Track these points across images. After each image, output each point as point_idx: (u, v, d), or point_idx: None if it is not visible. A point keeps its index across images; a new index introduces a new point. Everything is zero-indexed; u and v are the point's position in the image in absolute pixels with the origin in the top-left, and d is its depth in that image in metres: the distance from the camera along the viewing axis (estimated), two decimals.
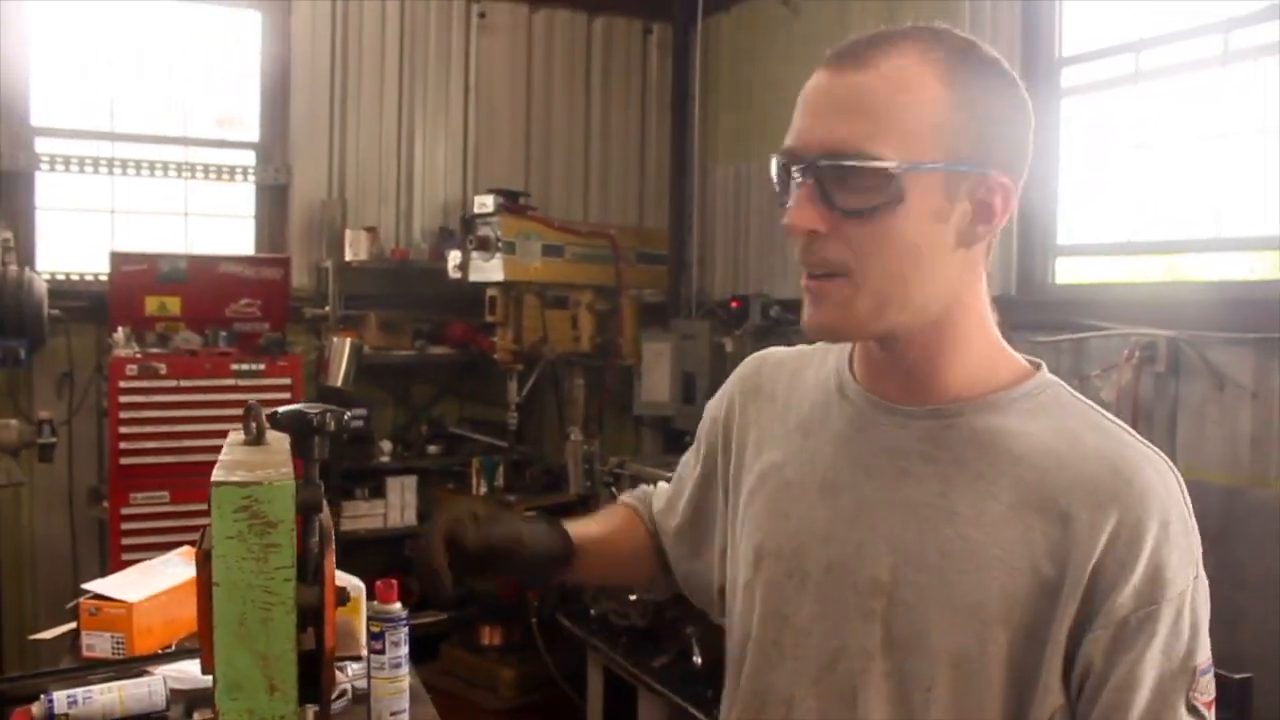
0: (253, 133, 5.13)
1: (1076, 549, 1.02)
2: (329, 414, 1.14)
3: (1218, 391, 3.15)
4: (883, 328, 1.08)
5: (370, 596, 2.04)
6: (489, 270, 4.74)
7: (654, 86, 5.82)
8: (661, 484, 1.53)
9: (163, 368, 4.10)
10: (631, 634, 3.72)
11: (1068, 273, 3.85)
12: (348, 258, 4.88)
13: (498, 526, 1.30)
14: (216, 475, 1.04)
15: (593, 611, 3.89)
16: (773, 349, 1.39)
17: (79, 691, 1.89)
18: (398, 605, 1.96)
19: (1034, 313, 3.69)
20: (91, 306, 4.54)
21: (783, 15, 4.95)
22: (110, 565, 3.82)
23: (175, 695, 1.94)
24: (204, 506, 1.04)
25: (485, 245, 4.69)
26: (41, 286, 4.15)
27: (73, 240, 4.82)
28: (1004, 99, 1.07)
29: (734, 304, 4.92)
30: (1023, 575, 1.03)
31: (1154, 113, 3.52)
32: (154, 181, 4.86)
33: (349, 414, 1.15)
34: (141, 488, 4.04)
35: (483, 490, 4.77)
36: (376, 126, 5.22)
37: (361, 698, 1.98)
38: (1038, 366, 1.16)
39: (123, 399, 4.04)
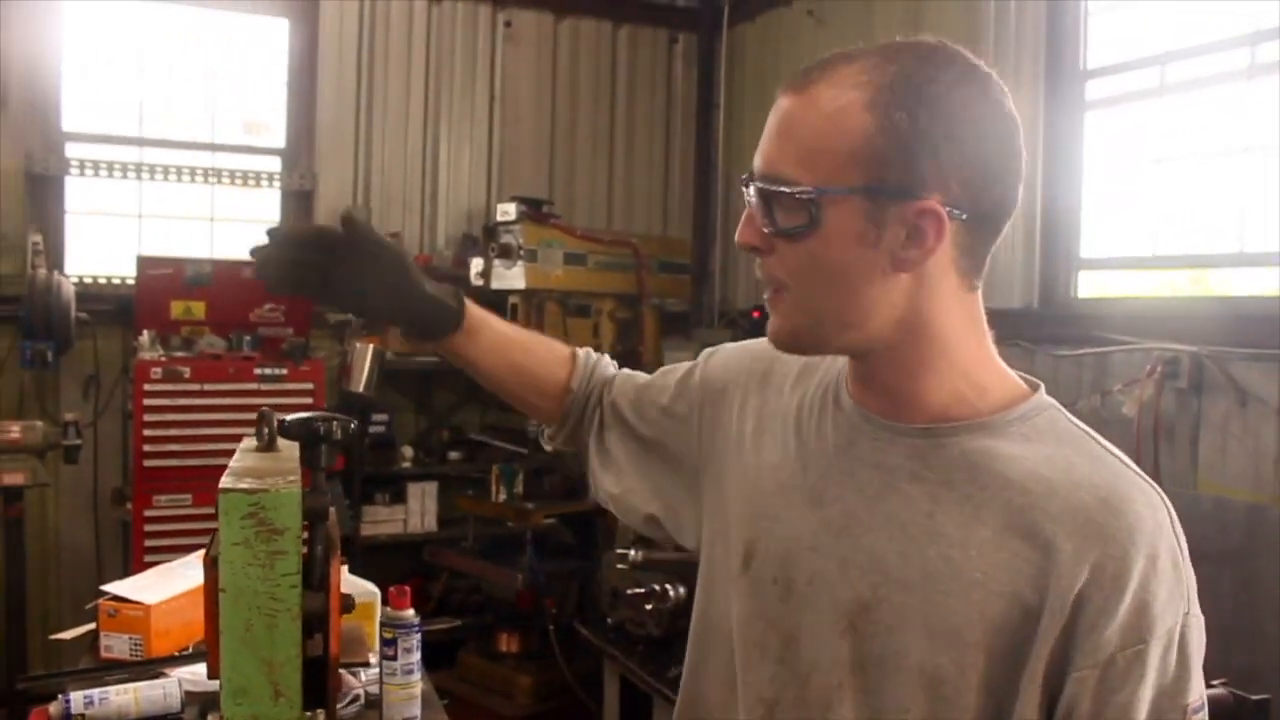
0: (279, 139, 5.17)
1: (1059, 579, 1.00)
2: (336, 423, 1.14)
3: (1241, 408, 3.12)
4: (835, 345, 1.13)
5: (384, 602, 2.06)
6: (511, 278, 4.75)
7: (679, 96, 5.84)
8: (628, 372, 1.51)
9: (186, 371, 4.14)
10: (648, 643, 3.71)
11: (1090, 286, 3.83)
12: None
13: (387, 244, 1.31)
14: (224, 482, 1.05)
15: (609, 620, 3.88)
16: None
17: (95, 692, 1.92)
18: (410, 612, 1.98)
19: (1056, 326, 3.67)
20: (118, 310, 4.59)
21: (808, 25, 4.94)
22: (133, 566, 3.85)
23: (190, 698, 1.96)
24: None
25: (507, 253, 4.71)
26: (69, 290, 4.20)
27: (100, 244, 4.88)
28: (957, 119, 1.03)
29: (755, 314, 4.92)
30: (1004, 601, 1.02)
31: (1179, 126, 3.50)
32: (181, 186, 4.92)
33: (355, 423, 1.16)
34: (164, 490, 4.08)
35: (503, 497, 4.78)
36: (402, 133, 5.25)
37: (374, 703, 2.00)
38: (1035, 388, 1.14)
39: (147, 402, 4.07)
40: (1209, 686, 1.84)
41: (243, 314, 4.54)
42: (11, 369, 4.45)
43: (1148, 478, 1.07)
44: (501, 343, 1.43)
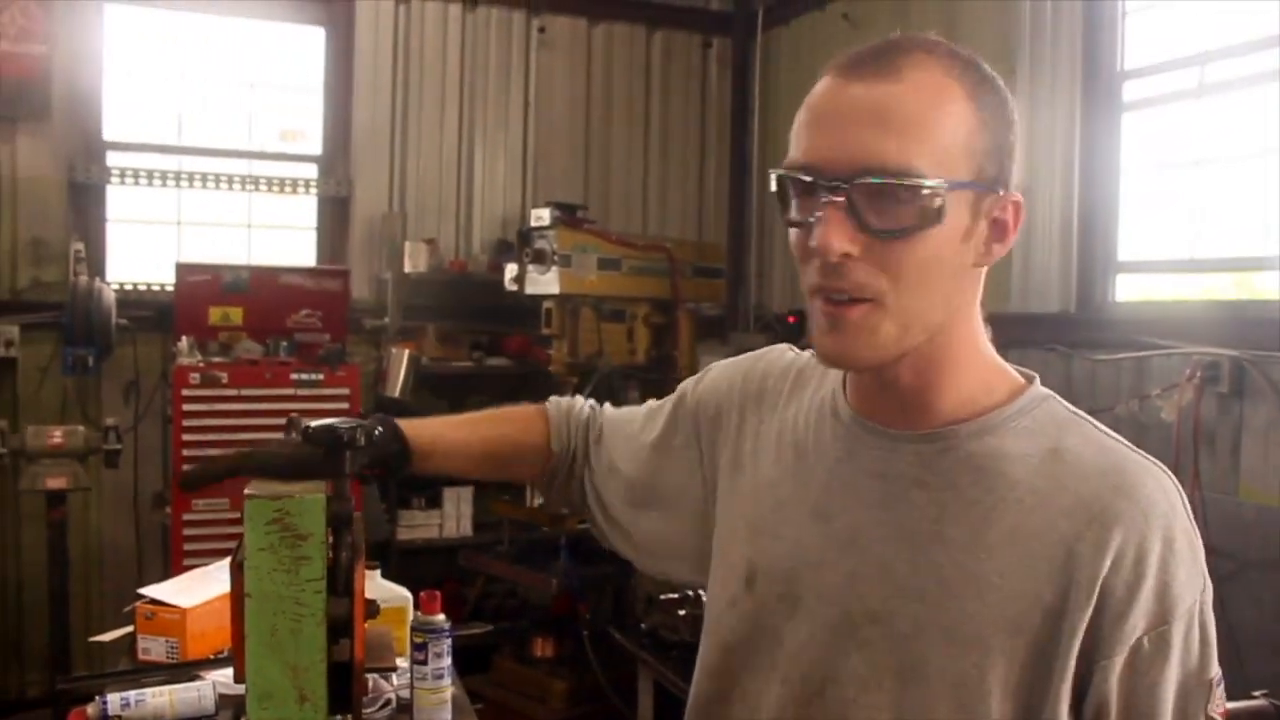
0: (315, 146, 5.22)
1: (1081, 572, 0.99)
2: (359, 429, 1.15)
3: None
4: (899, 354, 1.04)
5: (415, 607, 2.07)
6: (545, 283, 4.76)
7: (713, 100, 5.83)
8: (611, 416, 1.48)
9: (224, 377, 4.18)
10: (682, 648, 3.70)
11: (1128, 290, 3.79)
12: (407, 269, 4.94)
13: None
14: (249, 488, 1.06)
15: (643, 625, 3.89)
16: (783, 350, 1.34)
17: (132, 694, 1.93)
18: (441, 617, 1.98)
19: (1093, 331, 3.63)
20: (157, 316, 4.65)
21: (843, 28, 4.92)
22: (172, 570, 3.89)
23: (224, 700, 1.97)
24: None
25: (541, 258, 4.72)
26: (110, 296, 4.25)
27: (140, 251, 4.94)
28: (1008, 115, 1.05)
29: (791, 319, 4.90)
30: (1023, 601, 1.00)
31: (1218, 126, 3.45)
32: (219, 194, 4.98)
33: (380, 429, 1.16)
34: (203, 494, 4.10)
35: (538, 502, 4.79)
36: (437, 140, 5.28)
37: (405, 707, 2.00)
38: (1031, 379, 1.12)
39: (185, 407, 4.12)
40: (1249, 697, 1.82)
41: (280, 319, 4.58)
42: (54, 375, 4.52)
43: (1154, 459, 1.06)
44: (460, 448, 1.42)
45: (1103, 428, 1.09)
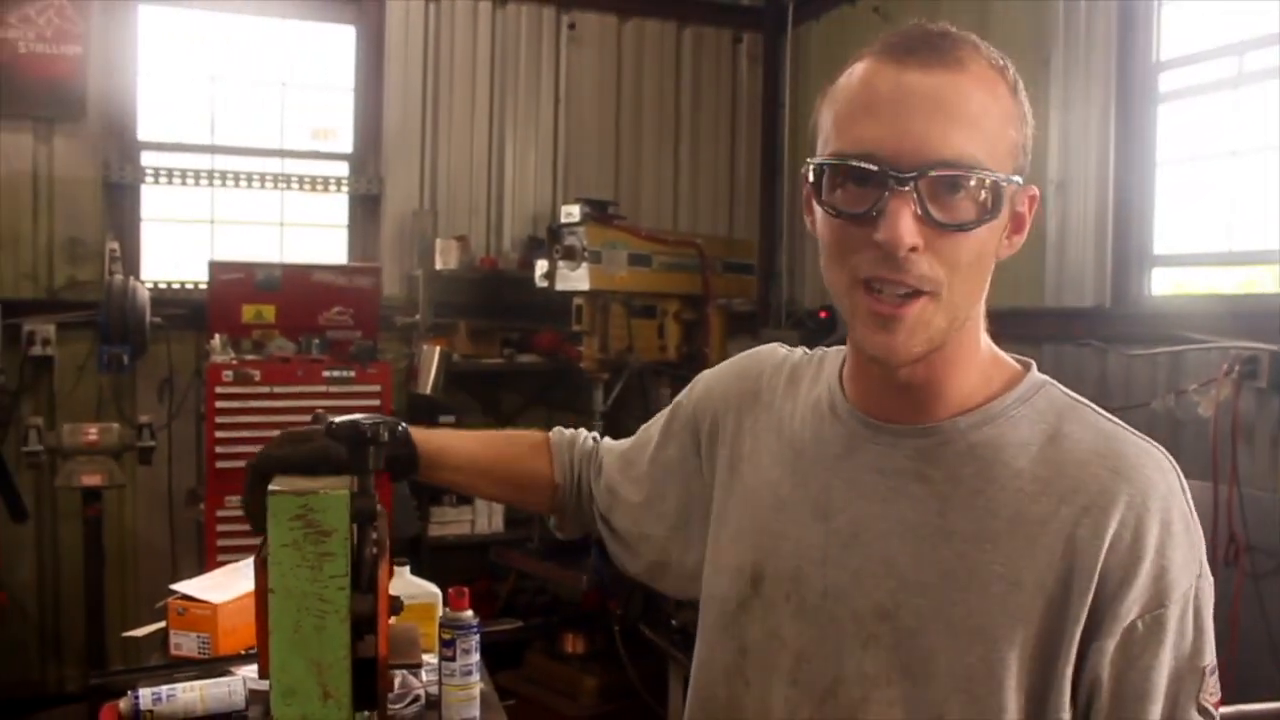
0: (347, 144, 5.24)
1: (1081, 559, 0.99)
2: (383, 425, 1.15)
3: None
4: (941, 345, 1.03)
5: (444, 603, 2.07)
6: (575, 279, 4.76)
7: (744, 96, 5.81)
8: (609, 445, 1.51)
9: (257, 374, 4.20)
10: None
11: (1164, 283, 3.74)
12: (438, 267, 4.95)
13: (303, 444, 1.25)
14: (273, 484, 1.06)
15: (674, 622, 3.88)
16: (774, 348, 1.33)
17: (163, 689, 1.95)
18: (469, 613, 1.98)
19: (1129, 325, 3.59)
20: (191, 314, 4.68)
21: (874, 22, 4.89)
22: (206, 566, 3.92)
23: (254, 696, 1.98)
24: None
25: (571, 255, 4.71)
26: (144, 295, 4.29)
27: (174, 250, 4.98)
28: (1029, 109, 1.06)
29: (823, 314, 4.88)
30: (1027, 592, 1.00)
31: (1255, 117, 3.40)
32: (251, 192, 5.02)
33: (403, 425, 1.16)
34: (236, 490, 4.06)
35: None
36: (467, 137, 5.29)
37: (434, 703, 2.01)
38: (1028, 366, 1.12)
39: (218, 404, 4.14)
40: None
41: (312, 317, 4.60)
42: (90, 373, 4.57)
43: (1152, 441, 1.05)
44: (467, 463, 1.43)
45: (1102, 412, 1.08)
